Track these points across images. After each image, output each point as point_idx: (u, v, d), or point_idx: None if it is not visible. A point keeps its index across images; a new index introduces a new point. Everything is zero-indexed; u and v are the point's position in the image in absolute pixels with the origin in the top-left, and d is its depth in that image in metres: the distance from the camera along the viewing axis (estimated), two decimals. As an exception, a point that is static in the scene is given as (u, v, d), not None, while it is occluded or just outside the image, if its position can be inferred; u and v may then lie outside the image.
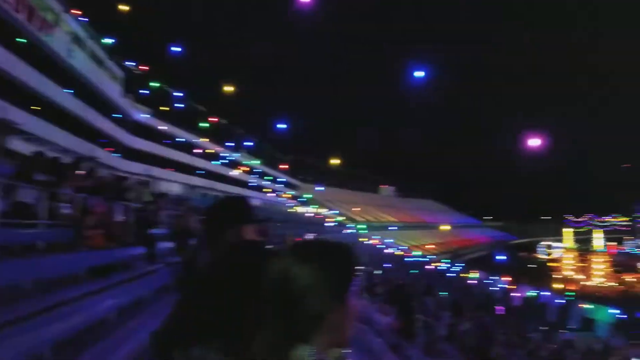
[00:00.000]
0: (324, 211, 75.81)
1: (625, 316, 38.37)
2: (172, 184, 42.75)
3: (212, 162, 54.94)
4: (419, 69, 19.25)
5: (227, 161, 58.29)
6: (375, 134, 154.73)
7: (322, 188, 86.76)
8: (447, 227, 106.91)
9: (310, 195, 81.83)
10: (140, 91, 43.49)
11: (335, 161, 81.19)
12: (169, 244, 11.85)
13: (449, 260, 64.87)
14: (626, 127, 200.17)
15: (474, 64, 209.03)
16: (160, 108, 46.00)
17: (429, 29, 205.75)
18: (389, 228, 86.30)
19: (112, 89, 34.61)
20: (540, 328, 27.16)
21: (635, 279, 72.28)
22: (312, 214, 71.35)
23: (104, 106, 32.86)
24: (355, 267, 1.42)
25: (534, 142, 24.29)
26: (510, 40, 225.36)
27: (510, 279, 49.80)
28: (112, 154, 34.95)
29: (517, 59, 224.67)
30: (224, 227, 2.34)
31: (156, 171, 41.27)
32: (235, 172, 60.08)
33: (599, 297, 56.47)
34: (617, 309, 38.84)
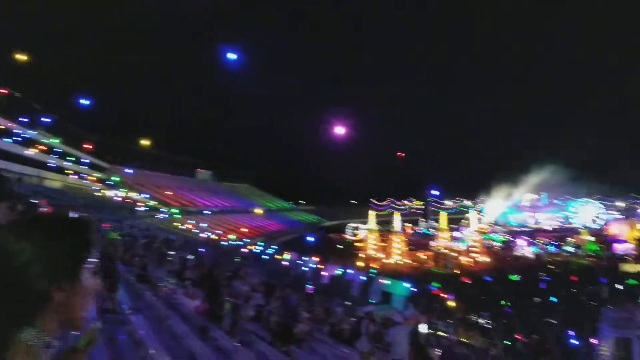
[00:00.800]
0: (134, 195, 72.18)
1: (417, 289, 42.90)
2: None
3: (1, 139, 48.57)
4: (232, 51, 19.07)
5: (20, 139, 51.94)
6: (192, 116, 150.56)
7: (132, 171, 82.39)
8: (263, 211, 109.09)
9: (119, 178, 77.16)
10: None
11: (146, 142, 77.52)
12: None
13: (263, 243, 66.35)
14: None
15: (286, 53, 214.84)
16: None
17: (241, 16, 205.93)
18: (205, 212, 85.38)
19: None
20: (345, 303, 29.08)
21: (426, 257, 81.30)
22: (121, 198, 67.54)
23: None
24: (90, 244, 1.31)
25: (340, 130, 25.72)
26: (317, 26, 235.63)
27: (320, 258, 52.50)
28: None
29: (324, 49, 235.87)
30: None
31: None
32: (30, 152, 53.89)
33: (397, 273, 62.42)
34: (411, 283, 43.10)
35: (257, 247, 61.59)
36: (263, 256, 54.35)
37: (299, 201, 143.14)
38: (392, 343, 9.97)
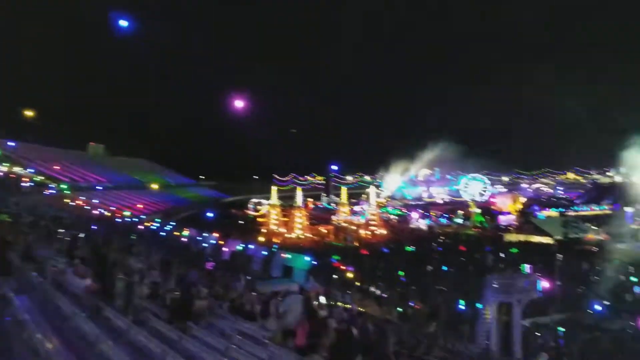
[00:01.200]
0: (18, 170, 67.05)
1: (317, 262, 43.59)
2: None
3: None
4: (124, 18, 17.86)
5: None
6: (85, 86, 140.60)
7: (14, 144, 76.23)
8: (160, 186, 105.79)
9: (0, 152, 71.14)
10: None
11: (30, 113, 71.87)
12: None
13: (161, 220, 64.46)
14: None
15: (185, 25, 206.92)
16: None
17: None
18: (97, 188, 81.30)
19: None
20: (246, 278, 29.03)
21: (327, 230, 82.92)
22: (3, 174, 62.58)
23: None
24: None
25: (239, 103, 25.25)
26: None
27: (221, 234, 51.86)
28: None
29: (225, 21, 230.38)
30: None
31: None
32: None
33: (298, 247, 63.18)
34: (312, 257, 43.70)
35: (154, 224, 59.70)
36: (161, 233, 52.82)
37: (200, 177, 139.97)
38: (286, 312, 10.06)
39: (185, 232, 53.29)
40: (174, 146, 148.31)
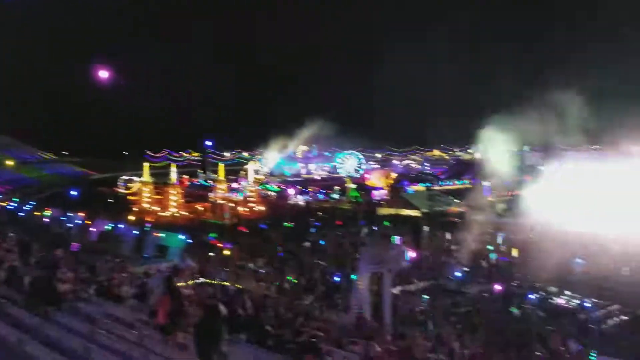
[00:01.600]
0: None
1: (193, 241, 42.57)
2: None
3: None
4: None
5: None
6: None
7: None
8: (16, 163, 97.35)
9: None
10: None
11: None
12: None
13: (19, 199, 59.42)
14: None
15: None
16: None
17: None
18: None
19: None
20: (115, 260, 27.60)
21: (204, 208, 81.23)
22: None
23: None
24: None
25: (103, 73, 23.47)
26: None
27: (87, 214, 48.86)
28: None
29: None
30: None
31: None
32: None
33: (173, 225, 61.27)
34: (187, 235, 42.58)
35: (11, 204, 54.88)
36: (19, 213, 48.72)
37: (63, 152, 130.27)
38: (151, 291, 9.77)
39: (47, 212, 49.57)
40: (31, 119, 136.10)
